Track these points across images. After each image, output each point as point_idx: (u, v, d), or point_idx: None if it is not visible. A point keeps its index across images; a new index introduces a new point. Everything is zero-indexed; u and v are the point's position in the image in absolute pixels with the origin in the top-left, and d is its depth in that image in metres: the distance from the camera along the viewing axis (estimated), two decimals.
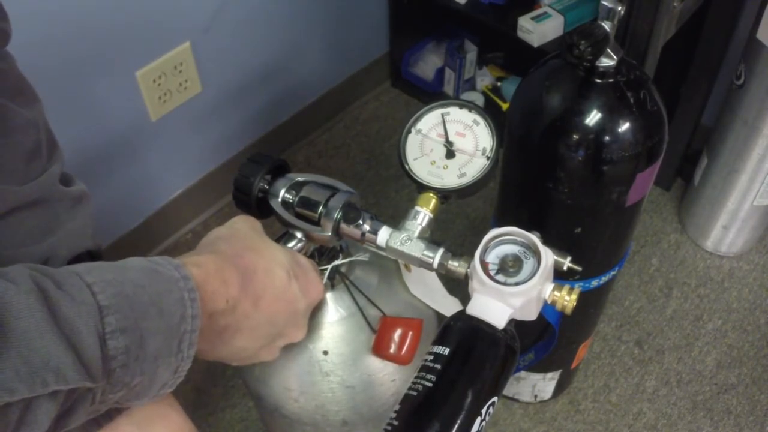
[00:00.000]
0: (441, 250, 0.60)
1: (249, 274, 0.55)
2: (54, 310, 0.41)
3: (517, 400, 1.54)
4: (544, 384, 1.46)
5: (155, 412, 0.62)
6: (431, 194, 0.64)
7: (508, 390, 1.51)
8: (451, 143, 0.65)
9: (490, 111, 0.65)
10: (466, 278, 0.58)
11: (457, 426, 0.50)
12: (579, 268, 0.58)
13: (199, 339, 0.50)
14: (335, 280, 0.69)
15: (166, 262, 0.49)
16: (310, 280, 0.62)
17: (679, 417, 1.54)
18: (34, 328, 0.39)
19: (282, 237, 0.65)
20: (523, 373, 1.42)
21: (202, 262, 0.52)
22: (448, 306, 0.74)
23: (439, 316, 0.75)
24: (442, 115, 0.66)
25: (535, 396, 1.51)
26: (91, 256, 0.61)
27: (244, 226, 0.60)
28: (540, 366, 1.38)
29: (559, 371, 1.42)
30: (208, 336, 0.52)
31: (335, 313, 0.69)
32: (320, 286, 0.63)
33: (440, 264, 0.60)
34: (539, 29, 1.65)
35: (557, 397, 1.55)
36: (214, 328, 0.53)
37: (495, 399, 0.53)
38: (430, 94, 2.11)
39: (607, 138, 0.89)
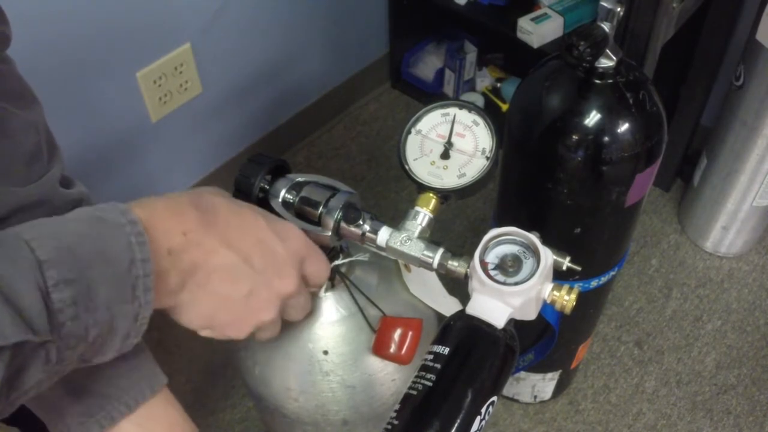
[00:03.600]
0: (441, 250, 0.60)
1: (209, 212, 0.52)
2: None
3: (516, 401, 1.54)
4: (544, 384, 1.47)
5: (156, 411, 0.62)
6: (431, 194, 0.64)
7: (508, 390, 1.51)
8: (451, 144, 0.65)
9: (489, 112, 0.66)
10: (466, 278, 0.58)
11: (457, 425, 0.51)
12: (578, 268, 0.58)
13: (171, 282, 0.49)
14: (335, 280, 0.69)
15: (112, 208, 0.47)
16: (287, 227, 0.57)
17: (678, 417, 1.54)
18: None
19: None
20: (522, 374, 1.43)
21: (147, 203, 0.50)
22: (448, 306, 0.74)
23: (439, 315, 0.75)
24: (448, 115, 0.66)
25: (535, 396, 1.51)
26: None
27: (210, 187, 0.57)
28: (540, 366, 1.39)
29: (559, 372, 1.42)
30: (179, 277, 0.50)
31: (335, 312, 0.69)
32: (300, 237, 0.58)
33: (440, 264, 0.60)
34: (539, 30, 1.65)
35: (557, 398, 1.55)
36: (182, 267, 0.50)
37: (495, 398, 0.53)
38: (430, 95, 2.12)
39: (606, 138, 0.90)
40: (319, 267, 0.60)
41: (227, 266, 0.52)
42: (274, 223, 0.56)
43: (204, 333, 0.55)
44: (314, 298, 0.69)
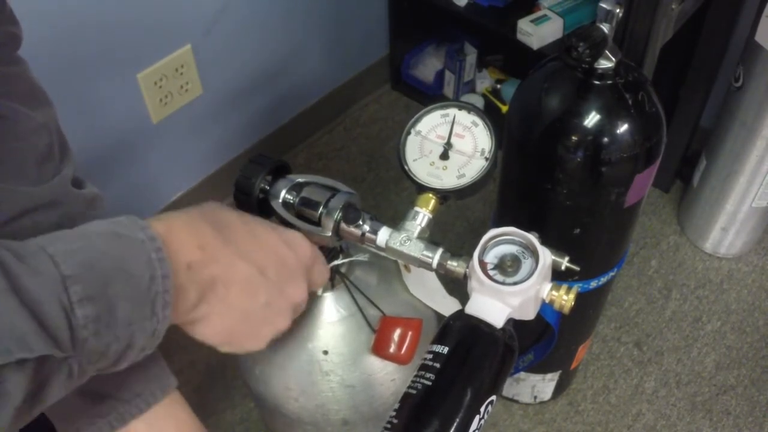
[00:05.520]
0: (440, 250, 0.60)
1: (224, 226, 0.53)
2: (14, 282, 0.40)
3: (516, 401, 1.54)
4: (544, 385, 1.47)
5: (165, 411, 0.62)
6: (430, 195, 0.64)
7: (508, 391, 1.52)
8: (451, 144, 0.65)
9: (489, 113, 0.66)
10: (465, 278, 0.59)
11: (456, 424, 0.51)
12: (577, 268, 0.58)
13: (190, 297, 0.49)
14: (335, 280, 0.69)
15: (131, 223, 0.47)
16: (296, 236, 0.59)
17: (678, 418, 1.54)
18: None
19: None
20: (522, 374, 1.43)
21: (165, 219, 0.50)
22: (448, 306, 0.75)
23: (439, 315, 0.75)
24: (447, 116, 0.66)
25: (535, 397, 1.52)
26: None
27: (215, 205, 0.58)
28: (539, 367, 1.39)
29: (559, 372, 1.43)
30: (198, 291, 0.51)
31: (335, 313, 0.70)
32: (308, 246, 0.60)
33: (439, 264, 0.60)
34: (538, 32, 1.65)
35: (557, 398, 1.56)
36: (201, 281, 0.51)
37: (494, 397, 0.54)
38: (430, 97, 2.12)
39: (605, 139, 0.90)
40: (321, 271, 0.61)
41: (245, 278, 0.53)
42: (283, 233, 0.57)
43: (223, 348, 0.55)
44: (312, 298, 0.69)
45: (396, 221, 0.64)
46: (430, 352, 0.54)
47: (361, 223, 0.62)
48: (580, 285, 1.09)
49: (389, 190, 1.93)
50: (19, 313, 0.40)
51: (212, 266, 0.51)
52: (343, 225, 0.63)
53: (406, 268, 0.74)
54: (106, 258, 0.45)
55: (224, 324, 0.53)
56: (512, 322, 0.57)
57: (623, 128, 0.90)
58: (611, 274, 1.13)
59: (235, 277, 0.53)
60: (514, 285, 0.55)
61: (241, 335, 0.55)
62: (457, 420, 0.51)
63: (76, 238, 0.45)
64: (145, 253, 0.46)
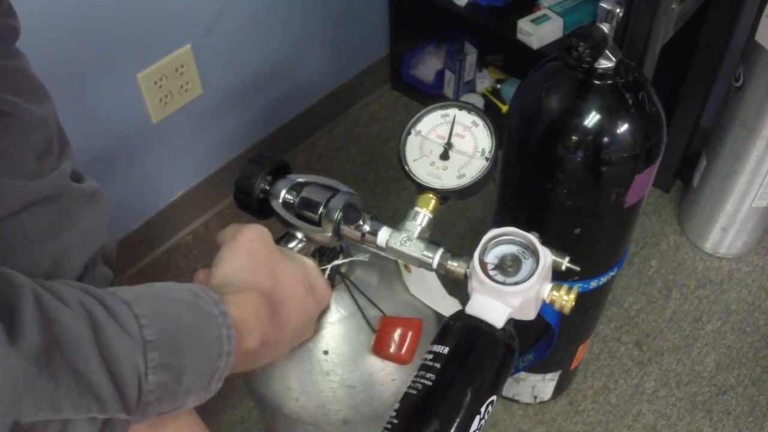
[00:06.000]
0: (440, 250, 0.60)
1: (279, 308, 0.57)
2: (100, 337, 0.42)
3: (516, 401, 1.54)
4: (544, 385, 1.47)
5: None
6: (431, 195, 0.64)
7: (508, 391, 1.52)
8: (451, 144, 0.65)
9: (489, 113, 0.66)
10: (466, 278, 0.59)
11: (456, 424, 0.51)
12: (577, 268, 0.58)
13: (234, 372, 0.52)
14: (335, 280, 0.69)
15: (206, 296, 0.49)
16: (320, 286, 0.64)
17: (678, 418, 1.54)
18: (81, 352, 0.41)
19: (283, 237, 0.65)
20: (522, 374, 1.43)
21: (240, 302, 0.53)
22: (448, 306, 0.75)
23: (439, 316, 0.75)
24: (448, 116, 0.66)
25: (535, 397, 1.52)
26: (105, 254, 0.61)
27: (260, 247, 0.60)
28: (539, 367, 1.39)
29: (559, 372, 1.43)
30: (236, 365, 0.53)
31: (335, 313, 0.69)
32: (328, 289, 0.65)
33: (440, 264, 0.60)
34: (538, 32, 1.65)
35: (557, 398, 1.56)
36: (248, 364, 0.55)
37: (494, 397, 0.54)
38: (430, 97, 2.12)
39: (605, 139, 0.90)
40: (326, 303, 0.68)
41: (275, 345, 0.58)
42: (314, 287, 0.63)
43: None
44: None
45: (396, 221, 0.64)
46: (430, 352, 0.54)
47: (361, 223, 0.62)
48: (581, 285, 1.09)
49: (389, 190, 1.93)
50: (100, 371, 0.41)
51: (264, 353, 0.56)
52: (343, 225, 0.63)
53: (407, 268, 0.74)
54: (185, 328, 0.46)
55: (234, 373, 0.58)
56: (512, 322, 0.57)
57: (623, 128, 0.90)
58: (611, 274, 1.13)
59: (269, 353, 0.58)
60: (514, 285, 0.55)
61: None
62: (458, 420, 0.51)
63: (159, 300, 0.47)
64: (218, 328, 0.48)
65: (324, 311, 0.70)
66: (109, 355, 0.41)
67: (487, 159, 0.64)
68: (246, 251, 0.59)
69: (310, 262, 0.65)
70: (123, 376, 0.42)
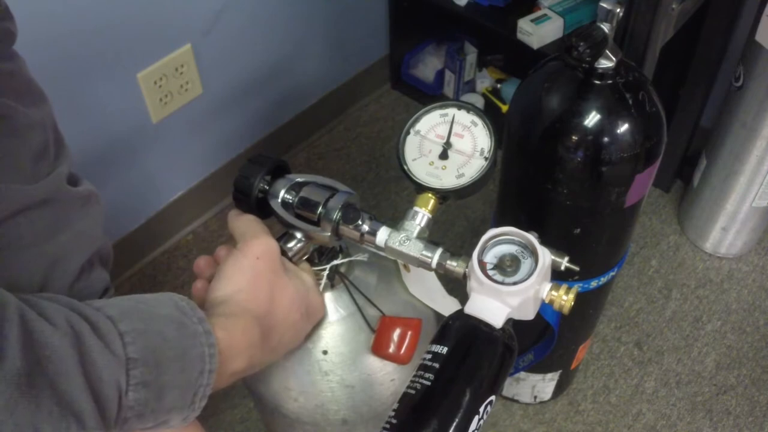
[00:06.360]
0: (439, 250, 0.60)
1: (271, 332, 0.58)
2: (85, 356, 0.42)
3: (516, 401, 1.54)
4: (544, 385, 1.47)
5: None
6: (430, 195, 0.64)
7: (508, 391, 1.52)
8: (450, 144, 0.65)
9: (489, 113, 0.66)
10: (465, 278, 0.58)
11: (455, 424, 0.51)
12: (577, 268, 0.58)
13: (219, 389, 0.52)
14: (335, 280, 0.69)
15: (192, 312, 0.50)
16: (316, 306, 0.65)
17: (678, 418, 1.54)
18: (63, 372, 0.41)
19: (282, 237, 0.65)
20: (522, 374, 1.43)
21: (231, 326, 0.53)
22: (447, 306, 0.75)
23: (438, 315, 0.75)
24: (447, 116, 0.66)
25: (535, 397, 1.51)
26: (101, 256, 0.61)
27: (265, 267, 0.59)
28: (539, 367, 1.39)
29: (559, 372, 1.43)
30: (221, 382, 0.54)
31: (335, 313, 0.69)
32: (323, 305, 0.67)
33: (439, 264, 0.60)
34: (539, 31, 1.65)
35: (557, 398, 1.55)
36: (229, 379, 0.55)
37: (493, 398, 0.54)
38: (430, 96, 2.12)
39: (605, 139, 0.90)
40: (319, 317, 0.68)
41: (262, 364, 0.60)
42: (310, 308, 0.64)
43: None
44: None
45: (396, 221, 0.64)
46: (429, 352, 0.54)
47: (360, 222, 0.62)
48: (580, 285, 1.09)
49: (389, 190, 1.93)
50: (82, 391, 0.41)
51: (252, 371, 0.57)
52: (342, 225, 0.63)
53: (406, 267, 0.74)
54: (168, 345, 0.47)
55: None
56: (512, 322, 0.57)
57: (623, 128, 0.90)
58: (611, 274, 1.13)
59: (256, 366, 0.58)
60: (513, 285, 0.55)
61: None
62: (456, 420, 0.51)
63: (141, 317, 0.47)
64: (201, 346, 0.48)
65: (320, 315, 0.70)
66: (93, 373, 0.42)
67: (486, 159, 0.64)
68: (250, 269, 0.59)
69: (309, 280, 0.65)
70: (104, 394, 0.42)
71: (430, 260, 0.60)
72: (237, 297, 0.57)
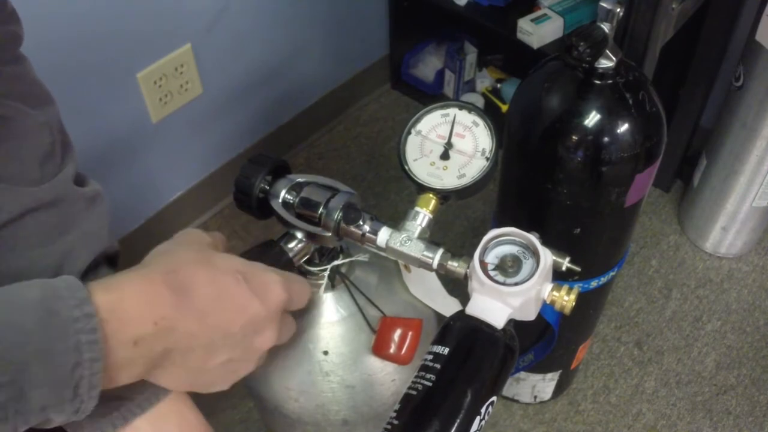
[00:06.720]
0: (440, 251, 0.60)
1: (187, 290, 0.49)
2: None
3: (516, 401, 1.54)
4: (544, 385, 1.47)
5: (169, 409, 0.62)
6: (431, 195, 0.64)
7: (508, 391, 1.52)
8: (451, 144, 0.65)
9: (489, 113, 0.66)
10: (466, 278, 0.58)
11: (456, 425, 0.51)
12: (578, 269, 0.58)
13: (137, 370, 0.47)
14: (335, 280, 0.69)
15: (70, 296, 0.43)
16: (266, 282, 0.54)
17: (678, 418, 1.54)
18: None
19: (282, 237, 0.65)
20: (522, 374, 1.43)
21: (115, 286, 0.46)
22: (448, 306, 0.74)
23: (439, 316, 0.75)
24: (448, 116, 0.66)
25: (535, 397, 1.51)
26: (108, 257, 0.61)
27: (186, 238, 0.56)
28: (540, 367, 1.39)
29: (559, 372, 1.43)
30: (148, 365, 0.47)
31: (335, 313, 0.69)
32: (279, 282, 0.55)
33: (440, 264, 0.60)
34: (539, 31, 1.65)
35: (557, 398, 1.56)
36: (151, 355, 0.47)
37: (494, 398, 0.54)
38: (430, 96, 2.12)
39: (605, 139, 0.90)
40: (301, 297, 0.58)
41: (205, 344, 0.50)
42: (253, 280, 0.53)
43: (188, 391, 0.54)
44: (312, 298, 0.69)
45: (396, 221, 0.64)
46: (430, 353, 0.54)
47: (361, 223, 0.62)
48: (581, 285, 1.09)
49: (389, 190, 1.93)
50: None
51: (167, 338, 0.47)
52: (343, 225, 0.62)
53: (407, 268, 0.74)
54: (29, 340, 0.41)
55: (180, 381, 0.51)
56: (513, 323, 0.57)
57: (623, 128, 0.90)
58: (611, 273, 1.13)
59: (193, 344, 0.49)
60: (514, 285, 0.55)
61: (203, 385, 0.54)
62: (458, 421, 0.51)
63: (5, 307, 0.42)
64: (74, 335, 0.42)
65: (321, 310, 0.70)
66: None
67: (487, 159, 0.64)
68: (170, 241, 0.56)
69: (259, 263, 0.57)
70: None
71: (431, 261, 0.60)
72: (151, 260, 0.52)
